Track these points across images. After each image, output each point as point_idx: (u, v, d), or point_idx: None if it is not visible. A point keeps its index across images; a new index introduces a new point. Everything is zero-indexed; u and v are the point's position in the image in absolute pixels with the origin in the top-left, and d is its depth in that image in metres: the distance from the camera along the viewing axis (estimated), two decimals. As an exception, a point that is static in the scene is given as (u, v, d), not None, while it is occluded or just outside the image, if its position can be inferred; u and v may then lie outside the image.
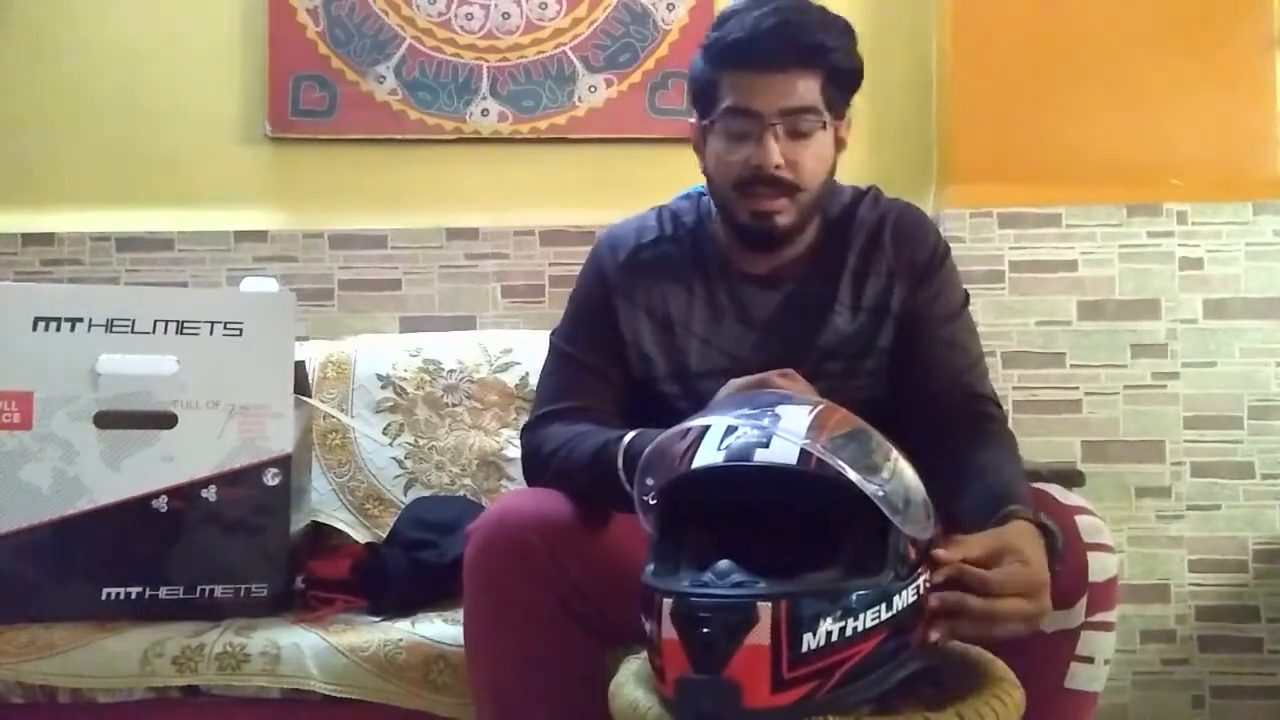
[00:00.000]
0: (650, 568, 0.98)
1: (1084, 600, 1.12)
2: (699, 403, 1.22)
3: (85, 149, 2.20)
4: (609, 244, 1.38)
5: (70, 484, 1.45)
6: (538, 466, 1.28)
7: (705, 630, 0.88)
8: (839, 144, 1.30)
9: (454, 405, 1.90)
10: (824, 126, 1.25)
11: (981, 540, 1.00)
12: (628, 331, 1.33)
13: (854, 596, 0.90)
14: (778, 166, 1.22)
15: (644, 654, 1.00)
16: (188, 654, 1.36)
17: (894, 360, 1.32)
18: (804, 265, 1.34)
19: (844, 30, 1.27)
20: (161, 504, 1.46)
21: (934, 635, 0.97)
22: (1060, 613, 1.11)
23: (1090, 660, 1.14)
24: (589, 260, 1.40)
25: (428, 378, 1.92)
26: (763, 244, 1.30)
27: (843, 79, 1.27)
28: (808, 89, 1.23)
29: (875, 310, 1.32)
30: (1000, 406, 1.31)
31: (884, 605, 0.91)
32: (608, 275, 1.35)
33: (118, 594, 1.45)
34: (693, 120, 1.33)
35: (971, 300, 1.38)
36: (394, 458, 1.86)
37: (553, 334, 1.39)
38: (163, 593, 1.46)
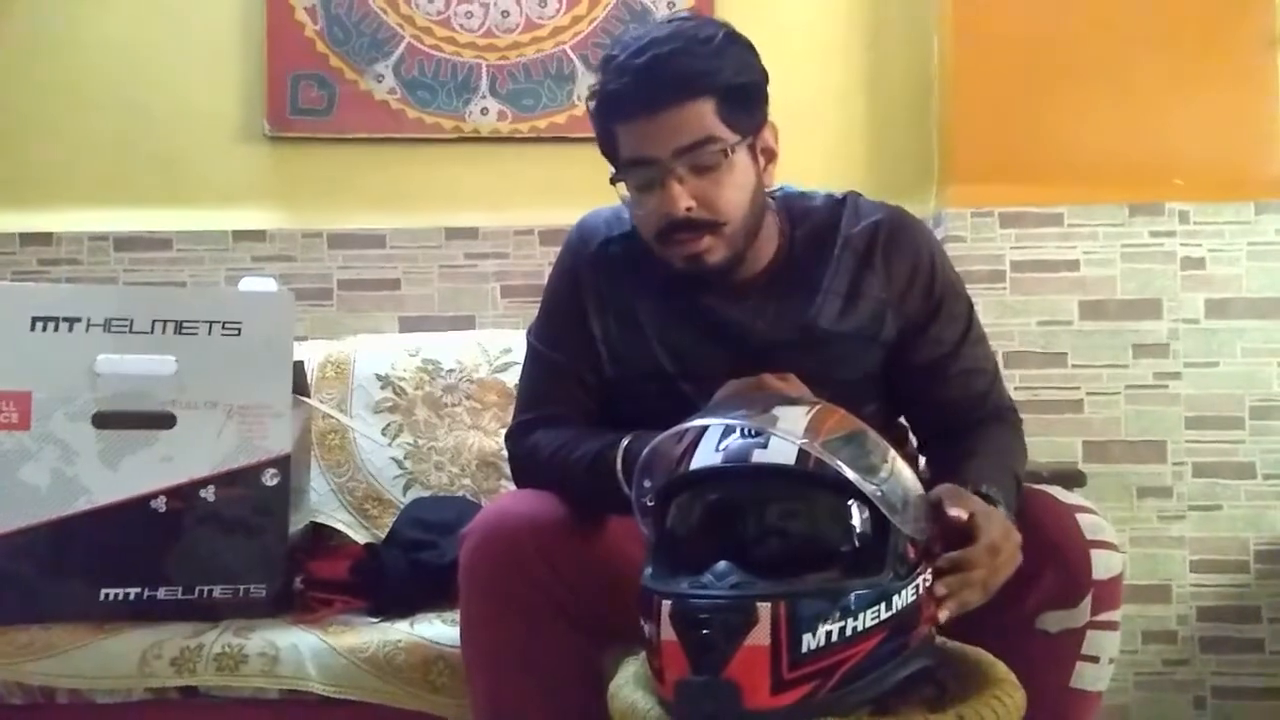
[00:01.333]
0: (649, 570, 0.98)
1: (1088, 599, 1.11)
2: (677, 399, 1.21)
3: (83, 149, 2.20)
4: (580, 235, 1.35)
5: (69, 484, 1.45)
6: (532, 471, 1.27)
7: (704, 631, 0.88)
8: (766, 156, 1.22)
9: (453, 405, 1.90)
10: (729, 152, 1.16)
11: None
12: (597, 328, 1.30)
13: (853, 596, 0.90)
14: (689, 209, 1.16)
15: (643, 655, 0.99)
16: (186, 655, 1.36)
17: (911, 394, 1.30)
18: (768, 279, 1.27)
19: (725, 46, 1.17)
20: (160, 504, 1.46)
21: (944, 616, 0.98)
22: (1065, 612, 1.12)
23: (1096, 660, 1.13)
24: (561, 251, 1.36)
25: (427, 378, 1.91)
26: (706, 282, 1.24)
27: (737, 96, 1.17)
28: (699, 120, 1.14)
29: (863, 338, 1.27)
30: (1016, 411, 1.31)
31: (884, 605, 0.91)
32: (577, 270, 1.32)
33: (116, 594, 1.45)
34: (613, 172, 1.24)
35: (973, 301, 1.37)
36: (393, 458, 1.86)
37: (529, 331, 1.37)
38: (161, 593, 1.45)
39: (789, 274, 1.27)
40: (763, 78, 1.20)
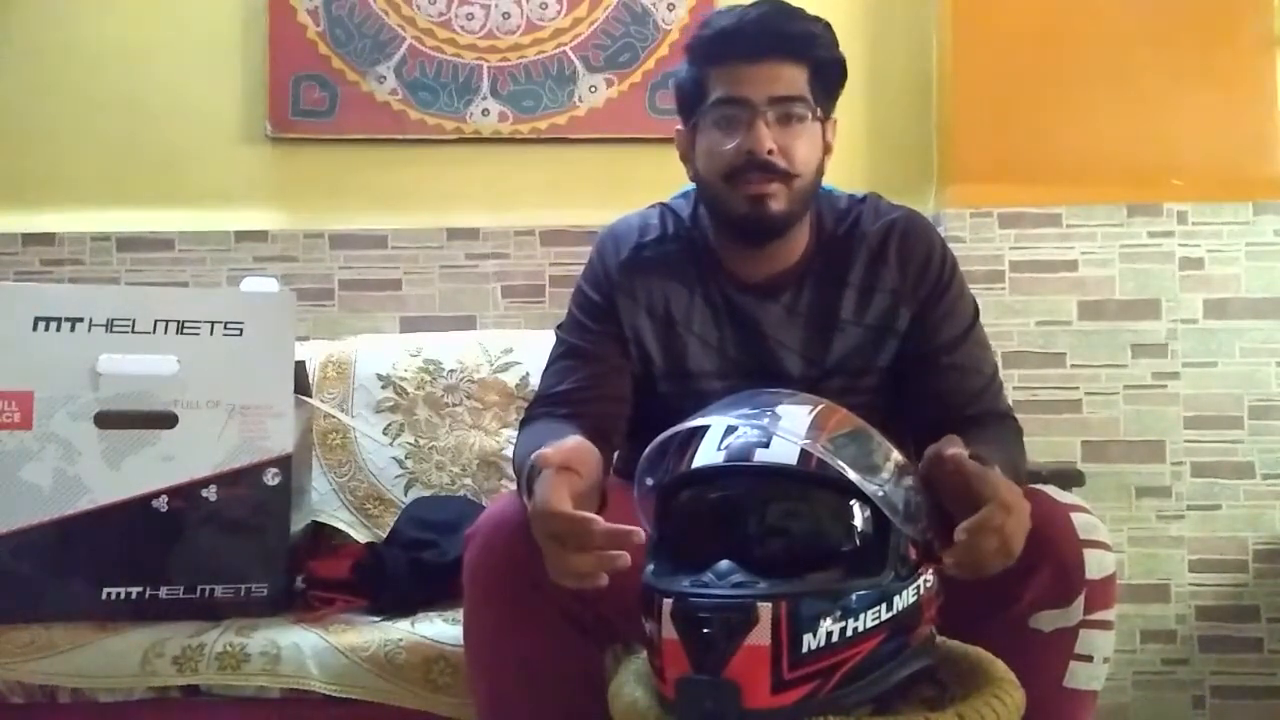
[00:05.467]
0: (650, 568, 0.98)
1: (1081, 598, 1.11)
2: (695, 402, 1.22)
3: (86, 149, 2.20)
4: (612, 240, 1.38)
5: (71, 483, 1.45)
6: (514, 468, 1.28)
7: (705, 630, 0.89)
8: (826, 148, 1.30)
9: (454, 405, 1.90)
10: (813, 117, 1.26)
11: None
12: (628, 327, 1.33)
13: (854, 597, 0.90)
14: (770, 151, 1.22)
15: (644, 654, 1.00)
16: (188, 654, 1.36)
17: (905, 384, 1.31)
18: (799, 275, 1.33)
19: (827, 26, 1.28)
20: (162, 504, 1.46)
21: (951, 569, 0.97)
22: (1058, 611, 1.12)
23: (1089, 659, 1.14)
24: (592, 255, 1.39)
25: (428, 378, 1.92)
26: (756, 235, 1.29)
27: (827, 73, 1.27)
28: (795, 79, 1.24)
29: (880, 328, 1.31)
30: (1015, 420, 1.31)
31: (884, 605, 0.92)
32: (610, 271, 1.35)
33: (118, 594, 1.45)
34: (679, 127, 1.33)
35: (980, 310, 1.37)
36: (394, 458, 1.86)
37: (557, 328, 1.39)
38: (163, 592, 1.46)
39: (817, 269, 1.33)
40: (845, 69, 1.30)
